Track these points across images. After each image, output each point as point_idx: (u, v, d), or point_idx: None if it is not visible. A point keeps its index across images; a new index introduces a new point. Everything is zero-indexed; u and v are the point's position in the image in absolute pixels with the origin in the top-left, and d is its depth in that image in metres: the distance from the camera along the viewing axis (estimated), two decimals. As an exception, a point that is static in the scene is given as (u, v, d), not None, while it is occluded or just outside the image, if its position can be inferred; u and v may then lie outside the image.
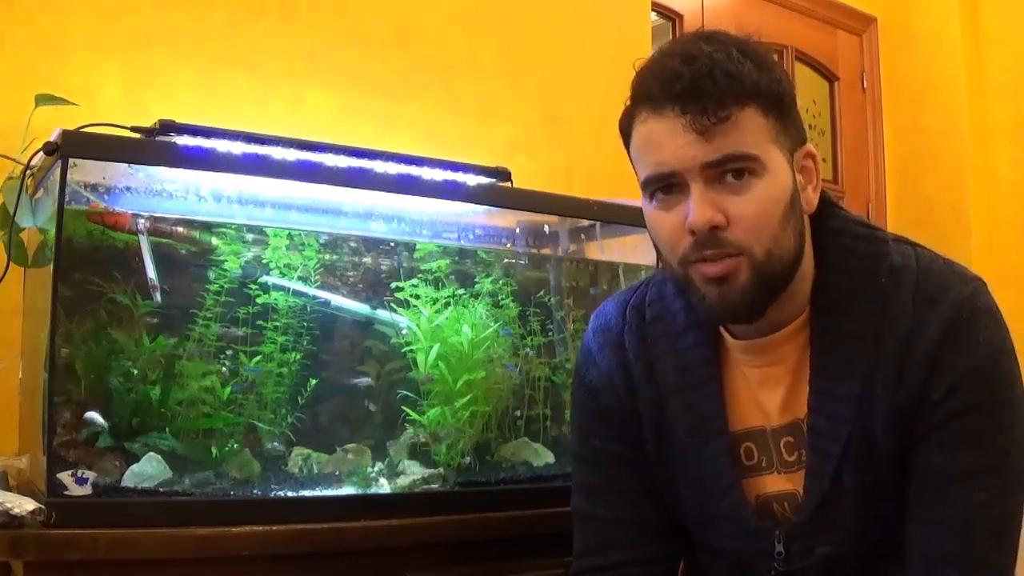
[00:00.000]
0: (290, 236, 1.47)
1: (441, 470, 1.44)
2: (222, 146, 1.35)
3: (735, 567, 1.11)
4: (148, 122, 1.35)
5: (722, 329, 1.08)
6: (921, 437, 0.98)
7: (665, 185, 0.98)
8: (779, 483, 1.07)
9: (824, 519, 1.02)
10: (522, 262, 1.75)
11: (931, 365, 0.96)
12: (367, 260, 1.59)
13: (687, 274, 0.99)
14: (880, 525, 1.02)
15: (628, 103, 1.01)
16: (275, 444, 1.41)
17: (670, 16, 2.96)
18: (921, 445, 0.98)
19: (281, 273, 1.46)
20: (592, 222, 1.75)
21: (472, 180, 1.59)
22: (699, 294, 0.99)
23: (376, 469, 1.46)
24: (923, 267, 1.01)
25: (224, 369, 1.39)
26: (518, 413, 1.60)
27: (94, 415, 1.25)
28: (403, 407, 1.49)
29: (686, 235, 0.96)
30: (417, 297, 1.51)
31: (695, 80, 0.93)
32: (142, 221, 1.36)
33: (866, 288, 1.01)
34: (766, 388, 1.06)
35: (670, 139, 0.95)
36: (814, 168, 1.03)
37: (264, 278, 1.45)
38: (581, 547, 1.15)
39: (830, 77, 3.47)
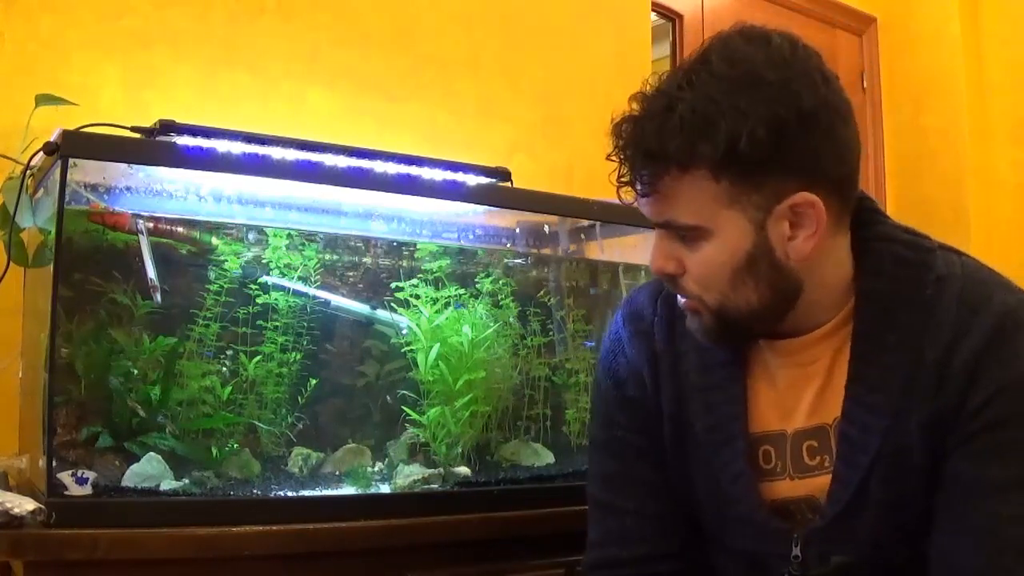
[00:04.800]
0: (290, 236, 1.47)
1: (441, 470, 1.44)
2: (222, 146, 1.35)
3: (750, 568, 1.09)
4: (148, 122, 1.35)
5: None
6: (954, 447, 0.95)
7: None
8: (794, 489, 1.05)
9: (844, 528, 1.00)
10: (522, 262, 1.75)
11: (970, 374, 0.94)
12: (367, 260, 1.59)
13: None
14: (900, 539, 0.99)
15: None
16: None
17: (670, 16, 2.96)
18: (953, 455, 0.95)
19: (281, 273, 1.46)
20: (592, 222, 1.75)
21: (472, 180, 1.59)
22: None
23: (376, 469, 1.46)
24: (968, 276, 1.00)
25: (224, 369, 1.40)
26: (520, 414, 1.60)
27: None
28: (403, 407, 1.49)
29: None
30: (417, 297, 1.51)
31: (633, 148, 0.94)
32: (142, 221, 1.36)
33: (911, 298, 0.99)
34: (795, 389, 1.04)
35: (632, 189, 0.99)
36: (812, 215, 0.95)
37: (264, 278, 1.45)
38: (599, 536, 1.12)
39: (830, 77, 3.46)
